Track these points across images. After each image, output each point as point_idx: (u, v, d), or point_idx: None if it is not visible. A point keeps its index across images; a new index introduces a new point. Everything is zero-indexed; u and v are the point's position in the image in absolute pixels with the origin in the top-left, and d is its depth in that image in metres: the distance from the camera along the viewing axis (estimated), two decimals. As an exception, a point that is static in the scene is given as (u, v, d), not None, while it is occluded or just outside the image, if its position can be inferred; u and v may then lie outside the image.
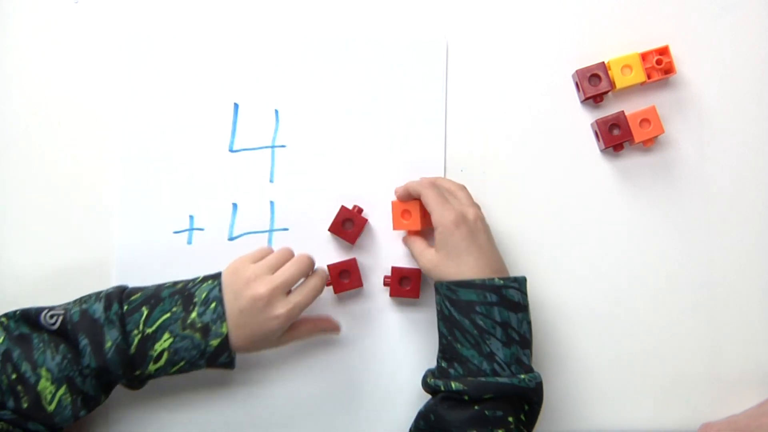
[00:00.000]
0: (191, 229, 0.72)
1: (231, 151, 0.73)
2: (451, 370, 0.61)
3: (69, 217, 0.72)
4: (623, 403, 0.72)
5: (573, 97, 0.74)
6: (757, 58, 0.74)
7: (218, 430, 0.71)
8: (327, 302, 0.71)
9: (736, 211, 0.73)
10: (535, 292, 0.72)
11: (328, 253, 0.71)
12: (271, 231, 0.73)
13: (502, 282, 0.61)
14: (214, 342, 0.61)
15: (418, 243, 0.67)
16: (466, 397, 0.59)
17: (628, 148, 0.73)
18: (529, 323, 0.62)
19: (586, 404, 0.72)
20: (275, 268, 0.63)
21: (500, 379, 0.59)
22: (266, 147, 0.73)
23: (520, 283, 0.62)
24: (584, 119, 0.73)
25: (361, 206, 0.71)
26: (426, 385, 0.63)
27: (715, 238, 0.73)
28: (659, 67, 0.71)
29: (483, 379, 0.59)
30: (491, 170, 0.73)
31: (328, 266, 0.70)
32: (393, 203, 0.70)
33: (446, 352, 0.62)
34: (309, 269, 0.65)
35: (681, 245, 0.73)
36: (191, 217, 0.72)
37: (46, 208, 0.72)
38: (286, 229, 0.72)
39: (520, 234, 0.72)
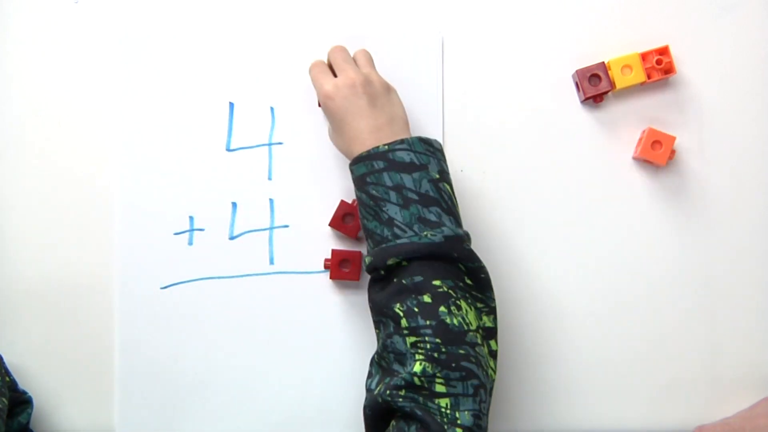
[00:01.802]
0: (191, 230, 0.72)
1: (228, 150, 0.73)
2: (368, 248, 0.61)
3: (69, 218, 0.72)
4: (621, 404, 0.72)
5: (573, 97, 0.74)
6: (757, 58, 0.74)
7: (222, 427, 0.71)
8: (328, 293, 0.72)
9: (735, 211, 0.73)
10: (534, 291, 0.72)
11: (329, 248, 0.71)
12: (271, 228, 0.73)
13: (386, 147, 0.59)
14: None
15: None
16: (381, 272, 0.58)
17: (627, 151, 0.73)
18: (432, 181, 0.59)
19: (583, 404, 0.72)
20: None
21: (399, 241, 0.57)
22: (263, 145, 0.73)
23: (410, 143, 0.60)
24: (584, 119, 0.73)
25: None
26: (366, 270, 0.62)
27: (714, 239, 0.73)
28: (659, 67, 0.71)
29: (384, 245, 0.58)
30: (491, 170, 0.73)
31: (333, 251, 0.70)
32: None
33: (363, 231, 0.62)
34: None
35: (679, 245, 0.73)
36: (191, 217, 0.72)
37: (45, 208, 0.72)
38: (286, 226, 0.73)
39: (520, 234, 0.72)
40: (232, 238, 0.72)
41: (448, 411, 0.53)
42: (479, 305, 0.58)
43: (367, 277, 0.71)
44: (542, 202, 0.73)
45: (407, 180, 0.59)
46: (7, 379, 0.67)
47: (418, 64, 0.73)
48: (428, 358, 0.54)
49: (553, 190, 0.73)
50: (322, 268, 0.72)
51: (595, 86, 0.71)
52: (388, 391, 0.55)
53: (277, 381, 0.71)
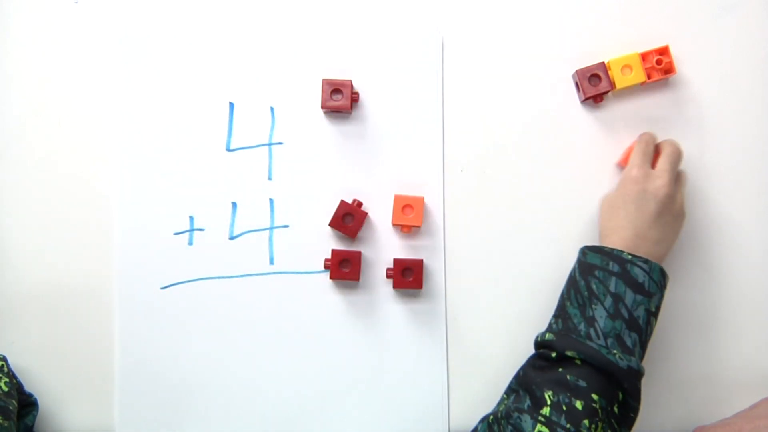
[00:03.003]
0: (191, 230, 0.72)
1: (228, 150, 0.73)
2: (554, 325, 0.62)
3: (69, 218, 0.72)
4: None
5: (573, 97, 0.74)
6: (757, 58, 0.74)
7: (222, 428, 0.71)
8: (328, 293, 0.72)
9: (735, 211, 0.73)
10: (534, 291, 0.72)
11: (329, 248, 0.71)
12: (271, 228, 0.73)
13: (630, 257, 0.61)
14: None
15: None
16: (554, 355, 0.59)
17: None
18: (648, 312, 0.60)
19: None
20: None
21: (590, 343, 0.58)
22: (263, 145, 0.73)
23: (651, 267, 0.61)
24: (584, 119, 0.73)
25: (361, 200, 0.71)
26: (535, 341, 0.63)
27: (714, 239, 0.73)
28: (659, 67, 0.71)
29: (574, 336, 0.59)
30: (491, 170, 0.73)
31: (333, 251, 0.70)
32: (395, 197, 0.70)
33: (558, 309, 0.63)
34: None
35: (680, 246, 0.72)
36: (191, 218, 0.72)
37: (45, 209, 0.72)
38: (286, 226, 0.73)
39: (520, 234, 0.72)
40: (232, 238, 0.72)
41: None
42: None
43: (367, 277, 0.72)
44: (542, 201, 0.73)
45: (628, 296, 0.60)
46: (14, 381, 0.67)
47: (418, 64, 0.73)
48: None
49: (553, 189, 0.73)
50: (322, 268, 0.72)
51: (595, 86, 0.71)
52: None
53: (276, 381, 0.71)
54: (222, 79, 0.73)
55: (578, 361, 0.58)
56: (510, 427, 0.57)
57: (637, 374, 0.58)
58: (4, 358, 0.68)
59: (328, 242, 0.72)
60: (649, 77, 0.71)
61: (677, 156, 0.67)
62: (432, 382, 0.71)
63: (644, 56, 0.71)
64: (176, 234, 0.72)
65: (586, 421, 0.56)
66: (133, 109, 0.73)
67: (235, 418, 0.71)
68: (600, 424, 0.57)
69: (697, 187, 0.73)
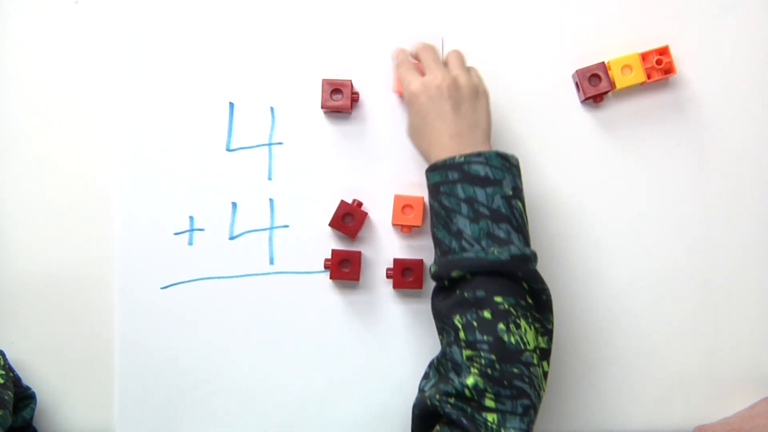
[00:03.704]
0: (191, 230, 0.72)
1: (228, 150, 0.73)
2: (435, 256, 0.61)
3: (69, 218, 0.72)
4: (621, 404, 0.72)
5: (573, 97, 0.74)
6: (757, 58, 0.74)
7: (222, 427, 0.71)
8: (328, 293, 0.72)
9: (735, 211, 0.73)
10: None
11: (329, 248, 0.71)
12: (271, 228, 0.73)
13: (462, 158, 0.59)
14: None
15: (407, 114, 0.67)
16: (445, 282, 0.59)
17: (627, 151, 0.73)
18: (505, 197, 0.59)
19: (583, 404, 0.72)
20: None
21: (465, 254, 0.57)
22: (263, 145, 0.73)
23: (487, 157, 0.59)
24: (584, 119, 0.73)
25: (361, 200, 0.71)
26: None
27: (715, 239, 0.73)
28: (659, 67, 0.71)
29: (450, 256, 0.58)
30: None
31: (333, 251, 0.70)
32: (395, 197, 0.70)
33: (433, 240, 0.62)
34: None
35: (680, 245, 0.72)
36: (191, 217, 0.72)
37: (46, 209, 0.73)
38: (286, 226, 0.73)
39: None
40: (232, 238, 0.72)
41: (494, 426, 0.53)
42: (536, 325, 0.57)
43: (367, 277, 0.72)
44: (542, 201, 0.73)
45: (480, 194, 0.58)
46: (11, 374, 0.67)
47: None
48: (482, 374, 0.54)
49: (553, 189, 0.73)
50: (322, 268, 0.72)
51: (595, 86, 0.71)
52: (438, 395, 0.55)
53: (276, 381, 0.71)
54: (222, 79, 0.73)
55: (468, 276, 0.57)
56: (449, 363, 0.57)
57: (523, 258, 0.57)
58: (1, 352, 0.68)
59: (328, 242, 0.72)
60: (649, 77, 0.71)
61: (429, 51, 0.66)
62: (432, 382, 0.71)
63: (644, 56, 0.71)
64: (176, 234, 0.72)
65: (501, 325, 0.55)
66: (133, 109, 0.73)
67: (235, 418, 0.71)
68: (520, 321, 0.56)
69: (696, 187, 0.73)
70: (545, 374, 0.57)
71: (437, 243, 0.61)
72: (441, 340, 0.61)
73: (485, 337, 0.55)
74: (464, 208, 0.58)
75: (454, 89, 0.62)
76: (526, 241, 0.59)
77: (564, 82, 0.74)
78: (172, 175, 0.72)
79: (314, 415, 0.71)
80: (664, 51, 0.71)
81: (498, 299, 0.56)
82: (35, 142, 0.73)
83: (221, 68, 0.73)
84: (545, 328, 0.58)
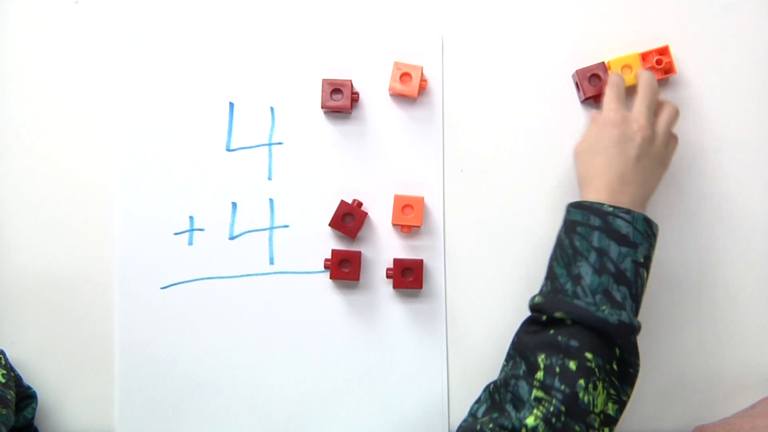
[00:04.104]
0: (191, 230, 0.72)
1: (228, 150, 0.73)
2: (544, 287, 0.61)
3: (69, 218, 0.72)
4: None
5: (573, 97, 0.74)
6: (757, 58, 0.74)
7: (222, 427, 0.71)
8: (328, 293, 0.72)
9: (735, 211, 0.73)
10: (533, 291, 0.72)
11: (329, 248, 0.71)
12: (271, 228, 0.73)
13: (611, 209, 0.59)
14: None
15: (586, 130, 0.66)
16: (544, 317, 0.58)
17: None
18: (636, 263, 0.58)
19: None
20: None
21: (577, 302, 0.57)
22: (263, 145, 0.73)
23: (634, 217, 0.59)
24: (584, 119, 0.73)
25: (361, 200, 0.71)
26: (529, 306, 0.62)
27: (715, 239, 0.73)
28: (659, 67, 0.71)
29: (561, 296, 0.57)
30: (491, 170, 0.73)
31: (333, 251, 0.70)
32: (395, 197, 0.70)
33: (547, 270, 0.61)
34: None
35: (680, 245, 0.72)
36: (191, 217, 0.72)
37: (46, 209, 0.73)
38: (286, 226, 0.73)
39: (520, 233, 0.72)
40: (232, 238, 0.72)
41: None
42: (612, 392, 0.57)
43: (367, 277, 0.72)
44: (542, 202, 0.73)
45: (614, 250, 0.58)
46: (12, 374, 0.67)
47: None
48: (546, 420, 0.54)
49: (553, 190, 0.73)
50: (322, 268, 0.72)
51: (595, 86, 0.71)
52: (491, 425, 0.55)
53: (276, 381, 0.71)
54: (222, 79, 0.73)
55: (569, 322, 0.57)
56: (509, 395, 0.56)
57: (629, 328, 0.56)
58: (2, 352, 0.68)
59: (328, 242, 0.72)
60: (649, 77, 0.71)
61: (653, 95, 0.65)
62: (432, 382, 0.71)
63: (644, 56, 0.71)
64: (176, 234, 0.72)
65: (581, 381, 0.54)
66: (133, 109, 0.73)
67: (235, 418, 0.71)
68: (599, 383, 0.55)
69: (696, 187, 0.73)
70: None
71: (551, 276, 0.60)
72: (504, 366, 0.60)
73: (563, 387, 0.54)
74: (593, 256, 0.58)
75: (648, 143, 0.62)
76: (637, 310, 0.59)
77: (564, 82, 0.74)
78: (172, 175, 0.72)
79: (314, 414, 0.71)
80: (664, 51, 0.71)
81: (588, 355, 0.55)
82: (35, 142, 0.73)
83: (221, 68, 0.73)
84: (619, 398, 0.58)
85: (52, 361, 0.72)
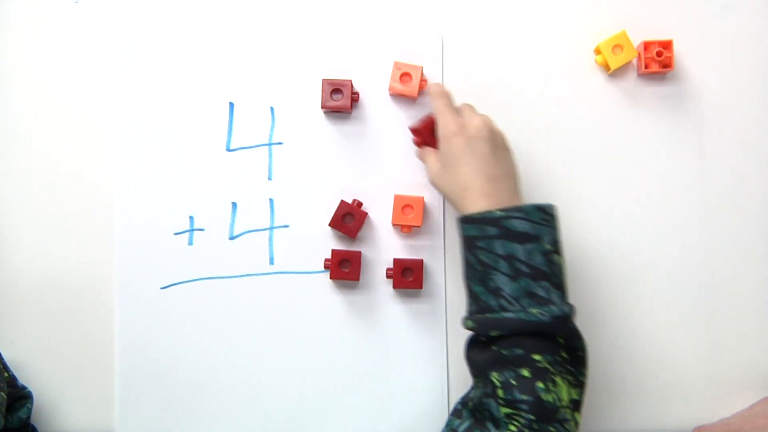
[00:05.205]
0: (191, 230, 0.72)
1: (228, 150, 0.73)
2: (470, 308, 0.60)
3: (69, 218, 0.72)
4: (621, 404, 0.72)
5: (573, 97, 0.74)
6: (758, 57, 0.74)
7: (222, 427, 0.71)
8: (328, 293, 0.72)
9: (735, 211, 0.73)
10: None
11: (329, 248, 0.71)
12: (271, 228, 0.73)
13: (502, 213, 0.58)
14: None
15: (430, 156, 0.66)
16: (483, 339, 0.58)
17: (625, 150, 0.73)
18: (545, 253, 0.58)
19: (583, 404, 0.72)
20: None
21: (506, 314, 0.56)
22: (263, 145, 0.73)
23: (526, 211, 0.58)
24: (584, 121, 0.73)
25: (361, 200, 0.71)
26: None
27: (714, 239, 0.73)
28: (659, 59, 0.70)
29: (489, 315, 0.57)
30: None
31: (333, 251, 0.70)
32: (395, 197, 0.70)
33: (467, 291, 0.61)
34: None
35: (679, 245, 0.72)
36: (191, 217, 0.72)
37: (45, 209, 0.73)
38: (286, 226, 0.73)
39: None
40: (232, 238, 0.72)
41: None
42: (569, 378, 0.57)
43: (367, 277, 0.72)
44: (542, 201, 0.72)
45: (520, 251, 0.57)
46: (6, 374, 0.67)
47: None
48: None
49: (553, 190, 0.73)
50: (322, 268, 0.72)
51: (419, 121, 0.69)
52: None
53: (276, 381, 0.71)
54: (222, 79, 0.73)
55: (498, 332, 0.57)
56: (486, 413, 0.56)
57: (563, 319, 0.56)
58: None
59: (328, 242, 0.72)
60: (646, 66, 0.71)
61: (451, 97, 0.66)
62: (432, 382, 0.71)
63: (646, 45, 0.71)
64: (176, 234, 0.72)
65: (540, 384, 0.55)
66: (133, 109, 0.73)
67: (235, 418, 0.71)
68: (556, 378, 0.55)
69: (696, 186, 0.73)
70: (577, 424, 0.57)
71: (473, 297, 0.60)
72: (476, 382, 0.60)
73: (524, 397, 0.54)
74: (503, 265, 0.57)
75: (492, 133, 0.62)
76: (565, 297, 0.59)
77: (565, 78, 0.73)
78: (172, 175, 0.72)
79: (314, 414, 0.71)
80: (667, 45, 0.71)
81: (537, 357, 0.55)
82: (35, 142, 0.73)
83: (221, 68, 0.73)
84: (578, 380, 0.58)
85: (52, 361, 0.72)
